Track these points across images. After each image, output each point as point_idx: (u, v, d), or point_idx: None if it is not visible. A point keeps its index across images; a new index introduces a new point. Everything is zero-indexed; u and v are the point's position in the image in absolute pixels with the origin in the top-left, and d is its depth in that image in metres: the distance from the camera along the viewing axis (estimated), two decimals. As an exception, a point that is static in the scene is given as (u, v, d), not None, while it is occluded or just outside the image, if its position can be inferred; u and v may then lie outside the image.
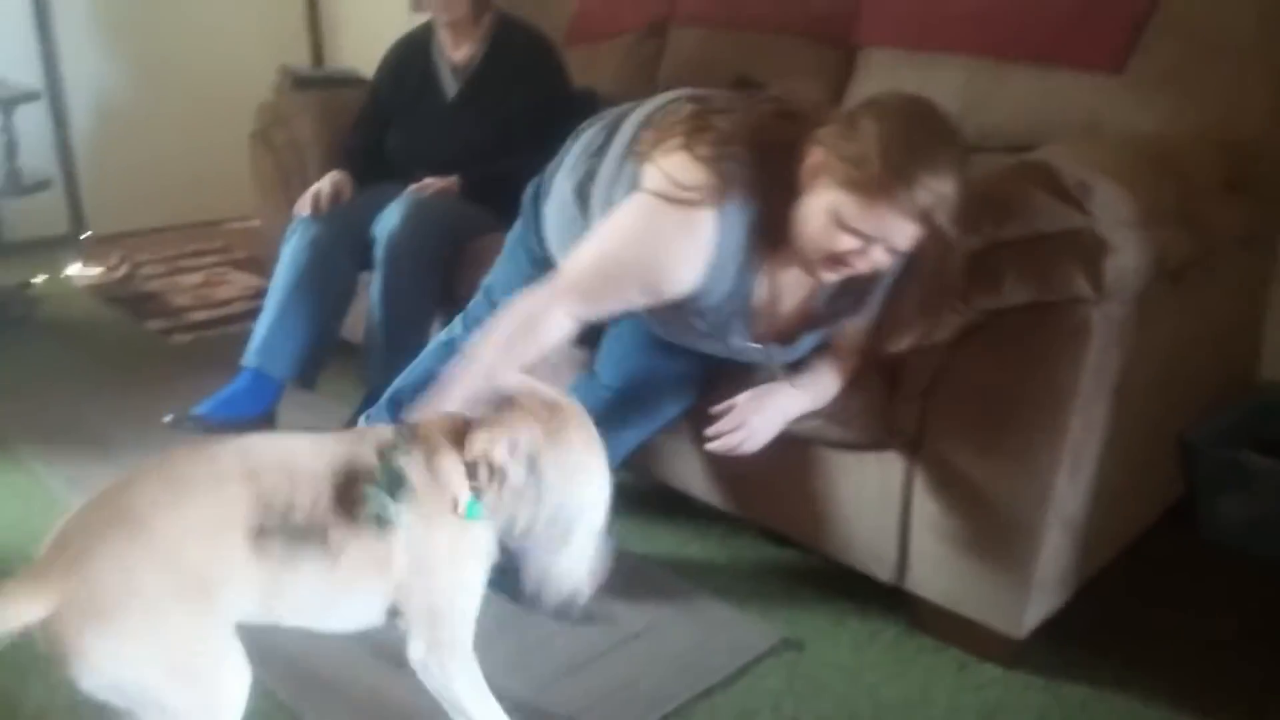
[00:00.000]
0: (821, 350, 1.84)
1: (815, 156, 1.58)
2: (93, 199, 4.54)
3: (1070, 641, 1.90)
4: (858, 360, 1.83)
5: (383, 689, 1.73)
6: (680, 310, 1.74)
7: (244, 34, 4.71)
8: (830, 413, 1.85)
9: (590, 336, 2.07)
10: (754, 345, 1.80)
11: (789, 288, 1.76)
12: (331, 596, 1.41)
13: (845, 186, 1.53)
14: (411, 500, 1.40)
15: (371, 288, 2.56)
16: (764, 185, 1.63)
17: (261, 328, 2.60)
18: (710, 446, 1.85)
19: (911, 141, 1.51)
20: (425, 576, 1.43)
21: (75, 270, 4.13)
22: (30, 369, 3.17)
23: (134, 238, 4.49)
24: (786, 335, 1.81)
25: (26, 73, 4.15)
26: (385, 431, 1.48)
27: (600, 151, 1.87)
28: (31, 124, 4.03)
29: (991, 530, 1.77)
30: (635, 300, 1.72)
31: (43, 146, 4.31)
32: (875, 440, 1.86)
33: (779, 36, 2.87)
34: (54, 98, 4.37)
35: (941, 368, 1.75)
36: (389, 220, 2.55)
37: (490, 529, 1.47)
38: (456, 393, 1.60)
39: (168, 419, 2.45)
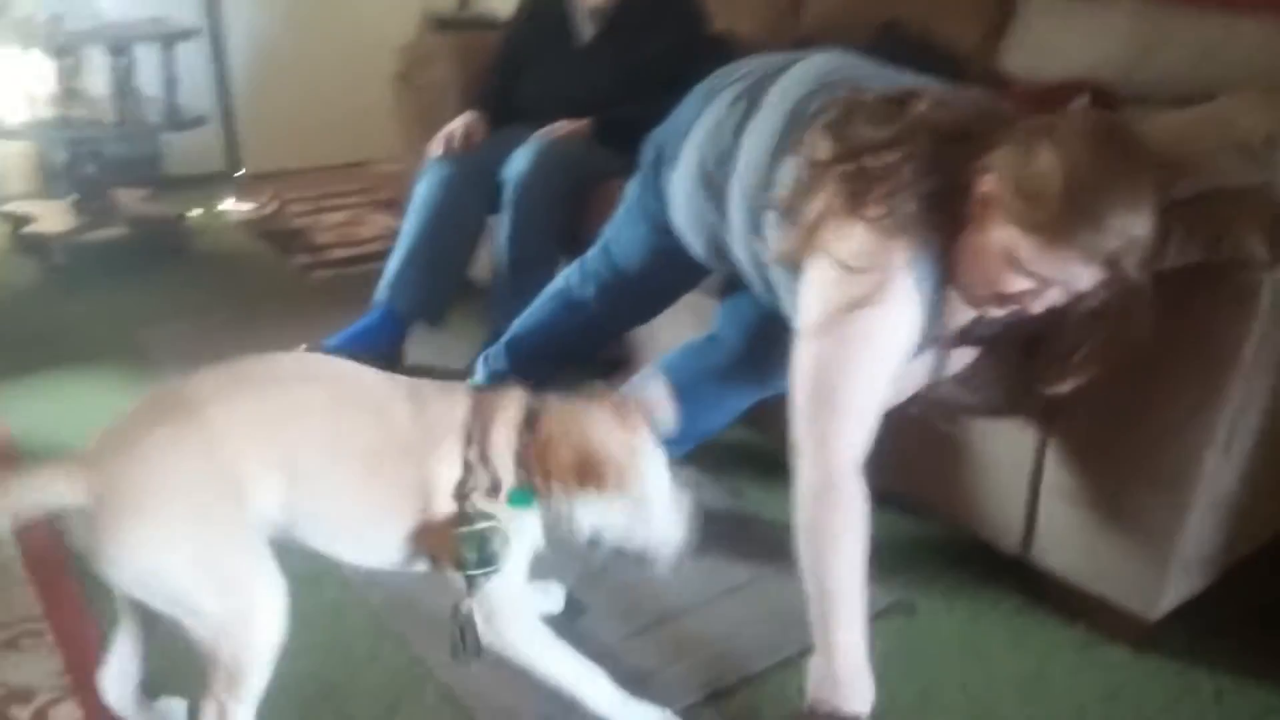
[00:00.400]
0: None
1: (987, 185, 1.41)
2: (247, 137, 4.68)
3: (1209, 628, 1.78)
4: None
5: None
6: None
7: (398, -25, 4.74)
8: (963, 377, 1.76)
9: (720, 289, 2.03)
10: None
11: (954, 312, 1.61)
12: (358, 525, 1.41)
13: (1021, 225, 1.36)
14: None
15: (499, 230, 2.57)
16: (934, 220, 1.46)
17: (393, 266, 2.65)
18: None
19: (1098, 174, 1.33)
20: None
21: (229, 205, 4.27)
22: (180, 297, 3.30)
23: (285, 176, 4.63)
24: (945, 350, 1.70)
25: (187, 10, 4.28)
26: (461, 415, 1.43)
27: (737, 132, 1.72)
28: (191, 62, 4.17)
29: (1131, 505, 1.68)
30: (887, 390, 1.55)
31: (201, 84, 4.45)
32: (1009, 406, 1.77)
33: (931, -23, 2.75)
34: (214, 36, 4.50)
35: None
36: (519, 164, 2.55)
37: (537, 518, 1.44)
38: (843, 641, 1.48)
39: (301, 348, 2.51)
